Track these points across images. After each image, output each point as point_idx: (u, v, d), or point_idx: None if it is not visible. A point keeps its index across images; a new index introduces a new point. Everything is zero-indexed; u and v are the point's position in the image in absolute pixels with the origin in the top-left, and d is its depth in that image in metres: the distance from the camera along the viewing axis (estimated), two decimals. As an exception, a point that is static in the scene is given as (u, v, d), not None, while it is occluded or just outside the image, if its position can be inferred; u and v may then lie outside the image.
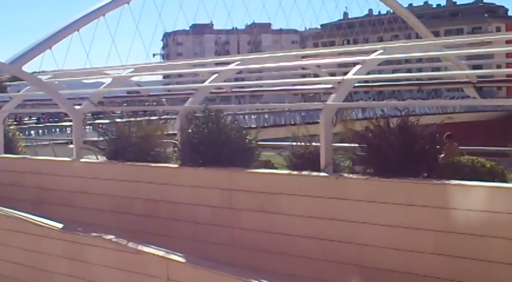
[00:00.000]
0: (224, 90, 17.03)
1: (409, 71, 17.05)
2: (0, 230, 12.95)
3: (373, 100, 51.62)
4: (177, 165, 11.70)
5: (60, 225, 11.72)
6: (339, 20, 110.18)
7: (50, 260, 11.86)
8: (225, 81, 13.99)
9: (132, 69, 16.41)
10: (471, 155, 9.44)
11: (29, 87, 16.58)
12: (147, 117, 13.86)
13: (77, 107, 14.28)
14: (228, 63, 14.03)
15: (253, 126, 40.70)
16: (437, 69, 17.51)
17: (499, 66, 51.70)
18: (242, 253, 10.23)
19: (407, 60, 15.84)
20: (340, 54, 14.91)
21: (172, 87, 19.26)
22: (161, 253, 9.84)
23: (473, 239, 8.11)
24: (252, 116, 49.16)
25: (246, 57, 15.18)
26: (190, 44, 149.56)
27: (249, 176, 10.52)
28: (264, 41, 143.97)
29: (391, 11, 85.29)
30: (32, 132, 39.76)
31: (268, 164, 11.23)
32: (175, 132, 12.01)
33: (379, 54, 11.46)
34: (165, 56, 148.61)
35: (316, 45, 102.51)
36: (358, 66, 10.90)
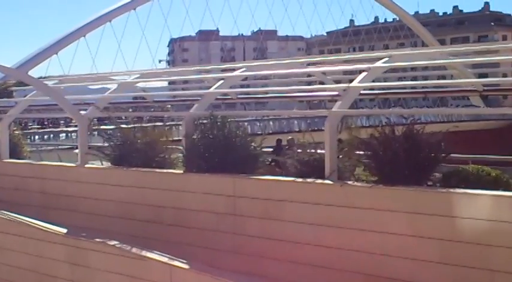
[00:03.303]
0: (229, 96, 17.03)
1: (414, 79, 17.03)
2: (4, 234, 12.97)
3: (379, 108, 51.54)
4: (182, 171, 11.70)
5: (64, 230, 11.74)
6: (345, 27, 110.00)
7: (53, 265, 11.87)
8: (230, 87, 14.00)
9: (138, 75, 16.42)
10: (476, 164, 9.40)
11: (34, 92, 16.60)
12: (152, 123, 13.86)
13: (83, 113, 14.29)
14: (233, 69, 14.03)
15: (259, 132, 40.69)
16: (443, 77, 17.44)
17: (505, 75, 51.81)
18: (246, 260, 10.19)
19: (412, 68, 15.77)
20: (345, 61, 14.87)
21: (178, 94, 19.29)
22: (165, 259, 9.83)
23: (478, 248, 8.07)
24: (257, 123, 49.11)
25: (252, 64, 15.19)
26: (196, 50, 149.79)
27: (253, 182, 10.50)
28: (270, 48, 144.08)
29: (397, 18, 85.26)
30: (37, 137, 39.78)
31: (273, 171, 11.21)
32: (181, 138, 12.01)
33: (385, 62, 11.44)
34: (171, 62, 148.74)
35: (322, 53, 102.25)
36: (363, 74, 10.88)
